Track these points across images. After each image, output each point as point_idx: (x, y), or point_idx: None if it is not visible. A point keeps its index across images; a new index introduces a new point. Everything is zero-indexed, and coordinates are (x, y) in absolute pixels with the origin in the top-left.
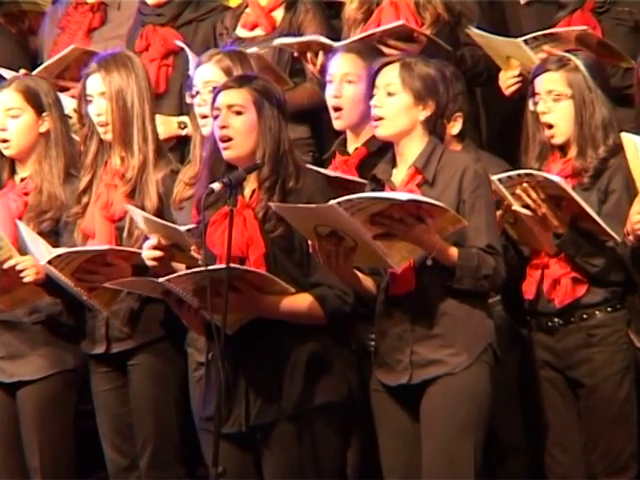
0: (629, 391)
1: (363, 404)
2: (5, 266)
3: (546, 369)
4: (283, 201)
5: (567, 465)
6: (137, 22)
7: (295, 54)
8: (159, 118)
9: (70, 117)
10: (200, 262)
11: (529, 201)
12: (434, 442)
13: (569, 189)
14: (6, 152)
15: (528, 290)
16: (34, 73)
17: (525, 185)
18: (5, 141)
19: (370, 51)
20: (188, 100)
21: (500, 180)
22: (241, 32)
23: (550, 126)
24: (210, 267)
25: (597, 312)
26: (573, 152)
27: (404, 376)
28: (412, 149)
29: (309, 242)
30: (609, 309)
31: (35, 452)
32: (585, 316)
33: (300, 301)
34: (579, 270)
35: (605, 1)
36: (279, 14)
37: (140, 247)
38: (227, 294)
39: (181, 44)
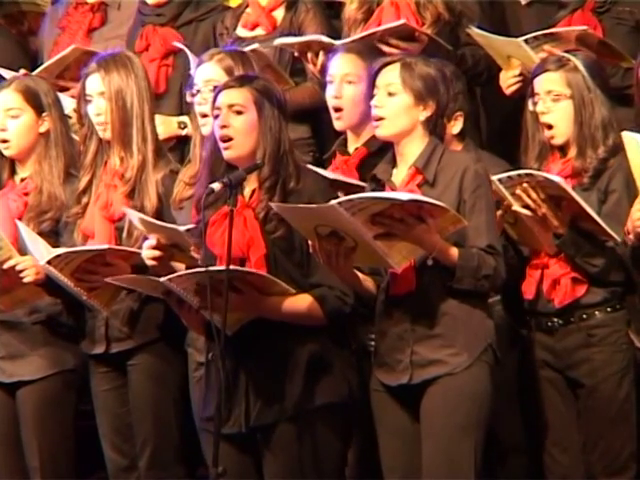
0: (628, 391)
1: (363, 404)
2: (5, 266)
3: (546, 369)
4: (284, 201)
5: (567, 465)
6: (137, 22)
7: (295, 54)
8: (159, 118)
9: (70, 117)
10: (200, 262)
11: (529, 201)
12: (434, 442)
13: (569, 189)
14: (6, 152)
15: (528, 290)
16: (34, 73)
17: (525, 185)
18: (5, 141)
19: (370, 51)
20: (188, 99)
21: (500, 180)
22: (242, 32)
23: (550, 126)
24: (210, 268)
25: (597, 312)
26: (573, 152)
27: (404, 376)
28: (412, 149)
29: (309, 242)
30: (609, 309)
31: (35, 452)
32: (585, 316)
33: (300, 302)
34: (579, 270)
35: (606, 1)
36: (280, 14)
37: (140, 247)
38: (227, 295)
39: (180, 45)
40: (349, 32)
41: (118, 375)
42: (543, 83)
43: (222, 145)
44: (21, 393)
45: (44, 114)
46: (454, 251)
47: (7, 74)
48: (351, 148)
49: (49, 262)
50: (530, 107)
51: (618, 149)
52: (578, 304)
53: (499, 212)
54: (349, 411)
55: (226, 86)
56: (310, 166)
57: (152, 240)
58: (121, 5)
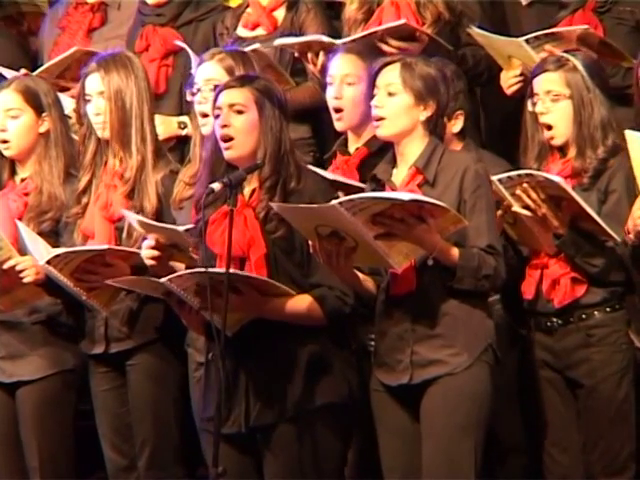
0: (628, 391)
1: (363, 404)
2: (5, 266)
3: (545, 369)
4: (284, 201)
5: (566, 465)
6: (137, 22)
7: (296, 54)
8: (159, 118)
9: (70, 117)
10: (199, 262)
11: (529, 201)
12: (434, 442)
13: (569, 189)
14: (6, 153)
15: (527, 290)
16: (35, 74)
17: (525, 185)
18: (5, 142)
19: (370, 51)
20: (188, 98)
21: (500, 180)
22: (242, 32)
23: (549, 127)
24: (210, 270)
25: (596, 312)
26: (572, 152)
27: (404, 376)
28: (413, 149)
29: (309, 242)
30: (608, 309)
31: (34, 452)
32: (584, 316)
33: (300, 302)
34: (578, 270)
35: (606, 1)
36: (280, 14)
37: (139, 247)
38: (227, 298)
39: (181, 44)
40: (349, 32)
41: (118, 375)
42: (542, 83)
43: (223, 145)
44: (21, 393)
45: (44, 114)
46: (455, 251)
47: (8, 74)
48: (352, 148)
49: (49, 262)
50: (529, 107)
51: (618, 149)
52: (577, 304)
53: (499, 212)
54: (349, 411)
55: (227, 86)
56: (310, 167)
57: (151, 240)
58: (121, 5)
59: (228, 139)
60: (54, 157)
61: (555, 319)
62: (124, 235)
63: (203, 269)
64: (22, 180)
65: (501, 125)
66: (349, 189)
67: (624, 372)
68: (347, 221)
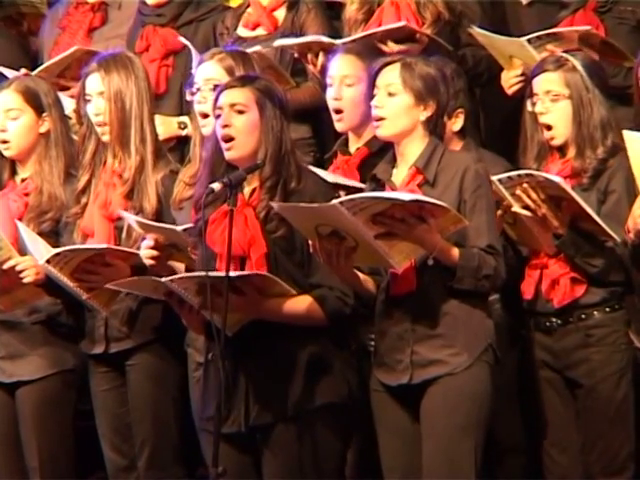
0: (627, 391)
1: (363, 404)
2: (5, 266)
3: (544, 369)
4: (285, 202)
5: (565, 465)
6: (137, 22)
7: (295, 55)
8: (159, 118)
9: (70, 118)
10: (197, 261)
11: (529, 202)
12: (434, 442)
13: (569, 189)
14: (6, 153)
15: (527, 290)
16: (35, 72)
17: (525, 185)
18: (5, 142)
19: (369, 52)
20: (188, 98)
21: (500, 181)
22: (243, 32)
23: (549, 127)
24: (210, 274)
25: (595, 312)
26: (572, 152)
27: (404, 376)
28: (413, 149)
29: (310, 242)
30: (607, 309)
31: (34, 452)
32: (583, 316)
33: (300, 303)
34: (578, 270)
35: (607, 1)
36: (281, 14)
37: (139, 248)
38: (227, 297)
39: (184, 41)
40: (350, 32)
41: (117, 375)
42: (542, 83)
43: (224, 145)
44: (21, 393)
45: (44, 114)
46: (455, 251)
47: (9, 73)
48: (352, 148)
49: (48, 261)
50: (529, 107)
51: (617, 149)
52: (577, 304)
53: (498, 212)
54: (349, 411)
55: (228, 86)
56: (310, 167)
57: (150, 240)
58: (122, 5)
59: (229, 139)
60: (54, 157)
61: (554, 319)
62: (123, 235)
63: (204, 273)
64: (22, 180)
65: (501, 125)
66: (349, 189)
67: (623, 372)
68: (347, 221)
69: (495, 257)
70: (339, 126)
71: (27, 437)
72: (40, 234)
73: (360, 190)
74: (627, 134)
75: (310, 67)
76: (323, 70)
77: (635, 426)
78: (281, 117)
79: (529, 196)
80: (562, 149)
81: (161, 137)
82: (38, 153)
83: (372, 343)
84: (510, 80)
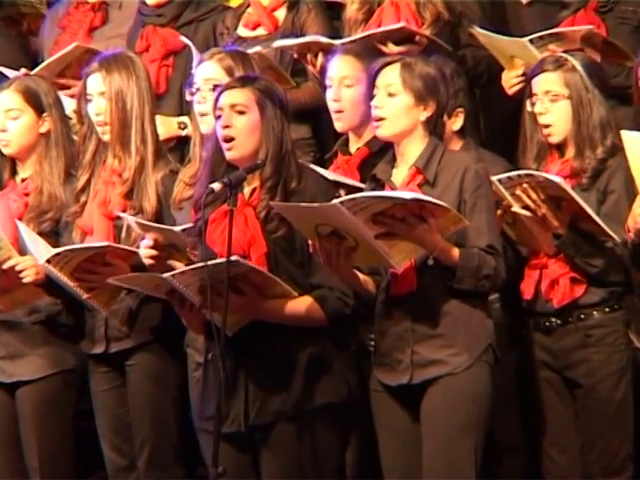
0: (626, 392)
1: (363, 404)
2: (4, 266)
3: (544, 369)
4: (285, 202)
5: (564, 465)
6: (137, 22)
7: (295, 56)
8: (159, 119)
9: (70, 118)
10: (196, 261)
11: (529, 202)
12: (435, 442)
13: (569, 189)
14: (5, 151)
15: (526, 290)
16: (36, 70)
17: (525, 186)
18: (5, 142)
19: (368, 52)
20: (188, 97)
21: (500, 181)
22: (243, 32)
23: (547, 126)
24: (211, 262)
25: (595, 312)
26: (571, 152)
27: (405, 376)
28: (413, 149)
29: (309, 242)
30: (607, 309)
31: (34, 452)
32: (583, 316)
33: (301, 304)
34: (578, 270)
35: (608, 0)
36: (281, 14)
37: (138, 247)
38: (227, 290)
39: (185, 40)
40: (350, 33)
41: (117, 375)
42: (541, 83)
43: (225, 146)
44: (20, 393)
45: (44, 114)
46: (455, 251)
47: (10, 73)
48: (353, 148)
49: (48, 261)
50: (528, 108)
51: (616, 149)
52: (576, 304)
53: (498, 212)
54: (348, 411)
55: (228, 87)
56: (311, 165)
57: (149, 240)
58: (122, 4)
59: (230, 139)
60: (54, 157)
61: (554, 319)
62: (123, 234)
63: (203, 263)
64: (23, 180)
65: (501, 125)
66: (350, 188)
67: (622, 372)
68: (348, 220)
69: (495, 257)
70: (338, 126)
71: (27, 437)
72: (40, 234)
73: (360, 189)
74: (625, 134)
75: (310, 67)
76: (322, 70)
77: (634, 426)
78: (282, 117)
79: (529, 196)
80: (561, 149)
81: (161, 137)
82: (38, 153)
83: (372, 343)
84: (511, 80)
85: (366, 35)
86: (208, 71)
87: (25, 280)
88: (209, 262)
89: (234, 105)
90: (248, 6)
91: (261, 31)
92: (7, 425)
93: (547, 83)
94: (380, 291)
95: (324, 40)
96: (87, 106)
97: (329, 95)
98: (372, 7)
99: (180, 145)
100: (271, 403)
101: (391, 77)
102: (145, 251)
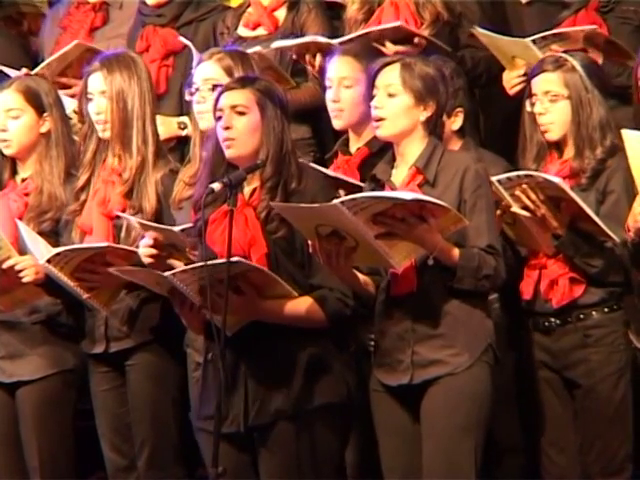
0: (625, 392)
1: (363, 404)
2: (4, 266)
3: (543, 369)
4: (285, 202)
5: (563, 465)
6: (137, 22)
7: (294, 57)
8: (159, 119)
9: (70, 118)
10: (196, 261)
11: (528, 202)
12: (435, 442)
13: (569, 190)
14: (6, 151)
15: (526, 290)
16: (37, 69)
17: (524, 186)
18: (6, 141)
19: (367, 53)
20: (187, 97)
21: (499, 181)
22: (243, 31)
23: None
24: (212, 262)
25: (594, 312)
26: (570, 153)
27: (405, 376)
28: (412, 149)
29: (309, 242)
30: (606, 309)
31: (34, 452)
32: (582, 316)
33: (301, 305)
34: (577, 270)
35: (609, 0)
36: (281, 14)
37: (138, 247)
38: (227, 292)
39: (185, 41)
40: (350, 32)
41: (117, 375)
42: (541, 84)
43: (225, 144)
44: (21, 393)
45: (45, 114)
46: (455, 251)
47: (12, 73)
48: (353, 148)
49: (49, 261)
50: (528, 108)
51: (616, 149)
52: (576, 304)
53: (497, 212)
54: (347, 411)
55: (228, 87)
56: (312, 164)
57: (149, 239)
58: (123, 4)
59: (230, 140)
60: (55, 157)
61: (553, 319)
62: (122, 234)
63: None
64: (23, 180)
65: (500, 125)
66: (350, 187)
67: (622, 373)
68: (348, 220)
69: (495, 257)
70: (336, 123)
71: (27, 437)
72: (40, 234)
73: (360, 188)
74: (626, 133)
75: (309, 68)
76: (322, 70)
77: (633, 427)
78: (282, 117)
79: (528, 197)
80: (561, 149)
81: (161, 137)
82: (39, 153)
83: (372, 343)
84: (512, 80)
85: (363, 33)
86: (207, 71)
87: (25, 280)
88: (210, 261)
89: (234, 106)
90: (248, 6)
91: (261, 31)
92: (7, 425)
93: (547, 83)
94: (380, 291)
95: (322, 40)
96: (87, 105)
97: (328, 96)
98: (372, 7)
99: (180, 145)
100: (271, 403)
101: (391, 77)
102: (144, 250)
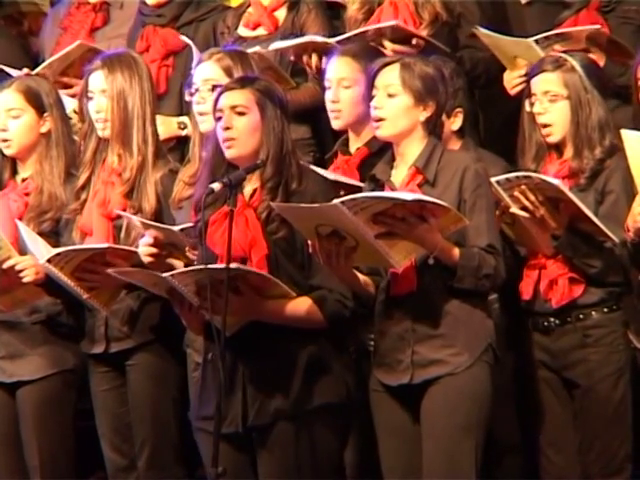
0: (624, 392)
1: (362, 404)
2: (4, 266)
3: (542, 369)
4: (286, 202)
5: (562, 466)
6: (137, 23)
7: (292, 57)
8: (159, 118)
9: (70, 118)
10: (196, 262)
11: (527, 203)
12: (435, 442)
13: (567, 191)
14: (7, 151)
15: (525, 290)
16: (39, 69)
17: (523, 187)
18: (6, 141)
19: (366, 53)
20: (187, 98)
21: (498, 182)
22: (243, 31)
23: (546, 126)
24: (211, 266)
25: (593, 312)
26: (569, 153)
27: (405, 376)
28: (412, 149)
29: (309, 242)
30: (605, 310)
31: (34, 452)
32: (581, 316)
33: (300, 305)
34: (577, 270)
35: (611, 0)
36: (281, 14)
37: (138, 247)
38: (227, 294)
39: (186, 39)
40: (350, 32)
41: (117, 375)
42: (540, 84)
43: (225, 144)
44: (21, 393)
45: (45, 114)
46: (455, 250)
47: (14, 72)
48: (352, 148)
49: (49, 261)
50: (527, 108)
51: (615, 150)
52: (575, 304)
53: (497, 212)
54: (347, 412)
55: (228, 88)
56: (311, 166)
57: (149, 238)
58: (123, 4)
59: (230, 140)
60: (55, 157)
61: (552, 319)
62: (122, 234)
63: (203, 266)
64: (23, 180)
65: (500, 125)
66: (349, 188)
67: (621, 373)
68: (348, 220)
69: (495, 256)
70: (335, 123)
71: (27, 437)
72: (40, 234)
73: (360, 189)
74: (625, 133)
75: (307, 68)
76: (321, 71)
77: (633, 427)
78: (282, 117)
79: (527, 198)
80: (560, 149)
81: (161, 137)
82: (39, 153)
83: (372, 343)
84: (513, 81)
85: (359, 32)
86: (207, 71)
87: (25, 280)
88: (209, 266)
89: (234, 106)
90: (248, 6)
91: (261, 31)
92: (7, 425)
93: (546, 83)
94: (380, 291)
95: (319, 39)
96: (88, 103)
97: (328, 96)
98: (372, 7)
99: (180, 145)
100: (270, 403)
101: (390, 77)
102: (144, 249)
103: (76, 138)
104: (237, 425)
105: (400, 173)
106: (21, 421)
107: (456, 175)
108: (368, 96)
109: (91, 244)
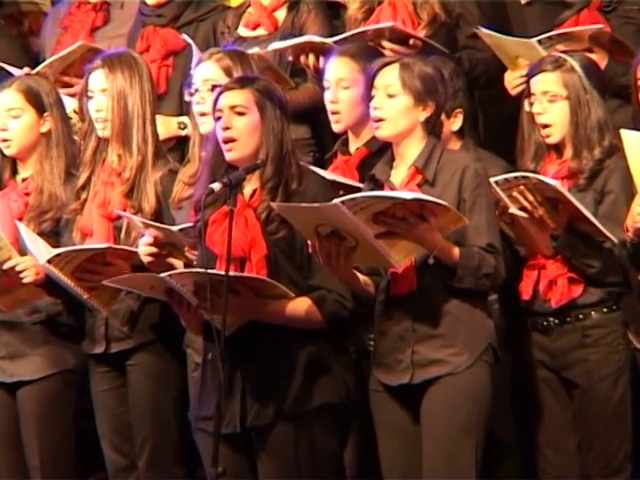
0: (624, 392)
1: (362, 404)
2: (5, 267)
3: (541, 369)
4: (286, 203)
5: (560, 466)
6: (137, 23)
7: (290, 58)
8: (159, 118)
9: (70, 118)
10: (195, 262)
11: (526, 203)
12: (435, 442)
13: (565, 192)
14: (7, 151)
15: (525, 290)
16: (39, 68)
17: (522, 188)
18: (6, 141)
19: (365, 53)
20: (187, 98)
21: (497, 182)
22: (243, 31)
23: (546, 126)
24: (210, 271)
25: (593, 312)
26: (569, 153)
27: (405, 376)
28: (412, 149)
29: (309, 242)
30: (605, 310)
31: (35, 451)
32: (581, 316)
33: (299, 306)
34: (576, 270)
35: (612, 0)
36: (281, 14)
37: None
38: (226, 299)
39: (187, 38)
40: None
41: (117, 375)
42: (539, 84)
43: (225, 147)
44: (21, 393)
45: (45, 114)
46: (455, 250)
47: (15, 72)
48: (352, 148)
49: (49, 261)
50: (526, 108)
51: (614, 150)
52: (574, 304)
53: (496, 212)
54: (346, 412)
55: (227, 88)
56: (311, 166)
57: (148, 237)
58: (124, 4)
59: (230, 141)
60: (55, 157)
61: (552, 319)
62: (122, 234)
63: (202, 269)
64: (23, 180)
65: (499, 125)
66: (348, 189)
67: (620, 373)
68: (348, 220)
69: (495, 256)
70: (336, 127)
71: (28, 437)
72: (40, 234)
73: (359, 189)
74: (625, 133)
75: (306, 69)
76: (320, 71)
77: (632, 427)
78: (281, 117)
79: (526, 198)
80: (559, 149)
81: (161, 137)
82: (39, 153)
83: (372, 343)
84: (514, 81)
85: (357, 32)
86: (206, 71)
87: (25, 280)
88: (207, 271)
89: (234, 106)
90: (248, 6)
91: (261, 31)
92: (8, 425)
93: (545, 83)
94: (380, 291)
95: (316, 39)
96: (88, 102)
97: (327, 97)
98: (372, 6)
99: (180, 145)
100: (269, 404)
101: (390, 78)
102: (144, 248)
103: (76, 138)
104: (235, 426)
105: (400, 173)
106: (21, 421)
107: (456, 175)
108: (367, 96)
109: (91, 244)
